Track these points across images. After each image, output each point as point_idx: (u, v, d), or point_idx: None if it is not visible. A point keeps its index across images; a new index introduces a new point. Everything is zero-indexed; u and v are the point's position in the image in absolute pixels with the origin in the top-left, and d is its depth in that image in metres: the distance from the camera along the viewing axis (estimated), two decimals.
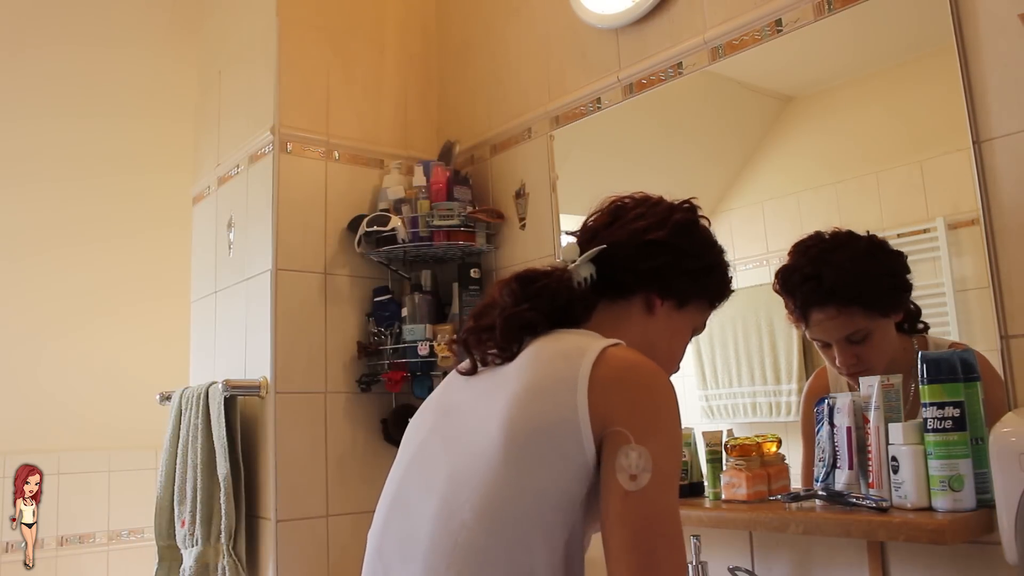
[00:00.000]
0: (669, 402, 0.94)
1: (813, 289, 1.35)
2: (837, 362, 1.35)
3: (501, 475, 0.91)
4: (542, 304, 1.05)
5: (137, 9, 3.22)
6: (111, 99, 3.20)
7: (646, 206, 1.15)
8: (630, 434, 0.89)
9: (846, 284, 1.32)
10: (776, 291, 1.43)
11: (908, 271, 1.33)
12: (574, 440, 0.90)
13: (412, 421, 1.14)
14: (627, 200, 1.16)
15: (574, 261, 1.09)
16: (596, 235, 1.12)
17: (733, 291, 1.19)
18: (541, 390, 0.94)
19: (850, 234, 1.38)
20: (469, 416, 1.01)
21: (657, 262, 1.10)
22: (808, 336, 1.40)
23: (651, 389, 0.94)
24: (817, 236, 1.39)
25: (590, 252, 1.09)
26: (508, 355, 1.03)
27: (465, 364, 1.08)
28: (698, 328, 1.18)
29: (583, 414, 0.90)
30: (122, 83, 3.22)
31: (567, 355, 0.96)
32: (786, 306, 1.41)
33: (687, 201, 1.17)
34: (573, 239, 1.14)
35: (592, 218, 1.16)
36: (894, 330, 1.33)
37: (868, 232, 1.37)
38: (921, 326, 1.33)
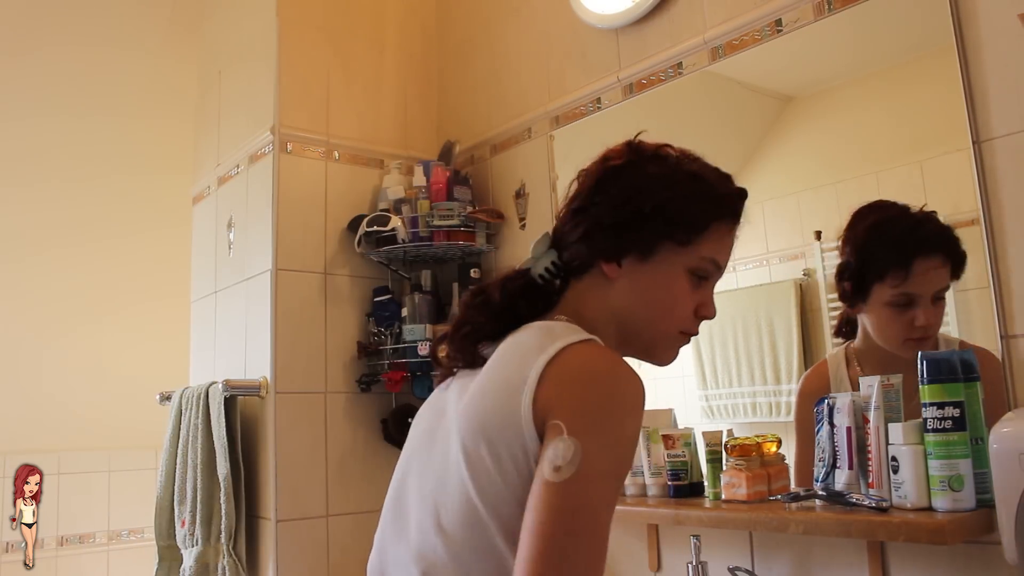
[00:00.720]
0: (620, 400, 0.89)
1: (926, 235, 1.32)
2: (919, 321, 1.31)
3: (464, 481, 0.90)
4: (499, 305, 1.03)
5: (137, 9, 3.22)
6: (111, 99, 3.20)
7: (585, 173, 1.08)
8: (564, 426, 0.85)
9: (949, 236, 1.31)
10: (860, 250, 1.39)
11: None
12: (519, 443, 0.87)
13: (415, 419, 1.12)
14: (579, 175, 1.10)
15: (532, 259, 1.07)
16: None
17: (715, 220, 1.06)
18: (490, 392, 0.92)
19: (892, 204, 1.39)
20: (449, 417, 1.00)
21: (584, 227, 1.04)
22: (898, 291, 1.33)
23: (600, 384, 0.89)
24: (898, 213, 1.37)
25: (538, 241, 1.07)
26: (470, 362, 1.01)
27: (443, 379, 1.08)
28: (699, 267, 1.04)
29: (527, 413, 0.87)
30: (122, 83, 3.22)
31: (525, 354, 0.92)
32: (876, 264, 1.36)
33: (623, 144, 1.07)
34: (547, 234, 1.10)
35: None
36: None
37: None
38: None
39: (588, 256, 1.04)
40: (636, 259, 1.02)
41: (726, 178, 1.10)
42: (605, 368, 0.90)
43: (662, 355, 1.07)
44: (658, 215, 1.01)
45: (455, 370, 1.05)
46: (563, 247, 1.06)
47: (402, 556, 0.97)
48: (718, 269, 1.07)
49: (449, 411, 0.99)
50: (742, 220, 1.12)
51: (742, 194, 1.11)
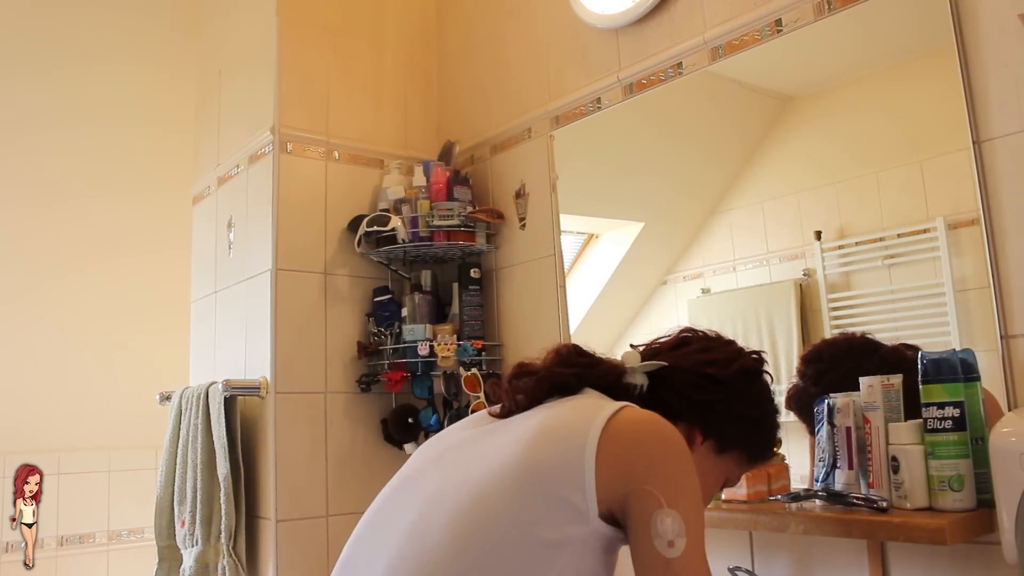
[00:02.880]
0: (688, 459, 0.93)
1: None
2: None
3: (486, 502, 0.89)
4: (589, 375, 1.04)
5: (137, 9, 3.23)
6: (111, 110, 3.20)
7: (716, 342, 1.15)
8: (661, 497, 0.87)
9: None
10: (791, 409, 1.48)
11: None
12: (576, 485, 0.87)
13: (418, 449, 1.13)
14: (699, 332, 1.16)
15: (633, 367, 1.08)
16: (659, 354, 1.11)
17: (775, 454, 1.21)
18: (550, 433, 0.92)
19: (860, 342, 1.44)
20: (471, 450, 0.99)
21: (711, 397, 1.08)
22: None
23: (668, 445, 0.92)
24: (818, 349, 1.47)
25: (651, 363, 1.08)
26: (533, 403, 1.02)
27: (496, 408, 1.06)
28: (731, 480, 1.15)
29: (589, 462, 0.87)
30: (121, 94, 3.22)
31: (584, 409, 0.94)
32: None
33: (757, 352, 1.16)
34: (635, 350, 1.12)
35: (660, 340, 1.15)
36: None
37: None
38: None
39: (689, 414, 1.07)
40: (715, 445, 1.09)
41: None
42: (666, 427, 0.94)
43: None
44: (760, 428, 1.14)
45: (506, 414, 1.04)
46: (667, 387, 1.08)
47: (378, 565, 0.94)
48: (726, 485, 1.18)
49: (475, 445, 1.00)
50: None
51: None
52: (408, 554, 0.91)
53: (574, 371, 1.04)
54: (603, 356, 1.10)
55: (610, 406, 0.93)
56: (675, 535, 0.87)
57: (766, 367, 1.16)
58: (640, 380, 1.07)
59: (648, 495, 0.87)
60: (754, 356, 1.15)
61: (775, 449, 1.21)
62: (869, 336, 1.42)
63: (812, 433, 1.37)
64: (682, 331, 1.16)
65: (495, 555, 0.86)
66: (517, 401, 1.03)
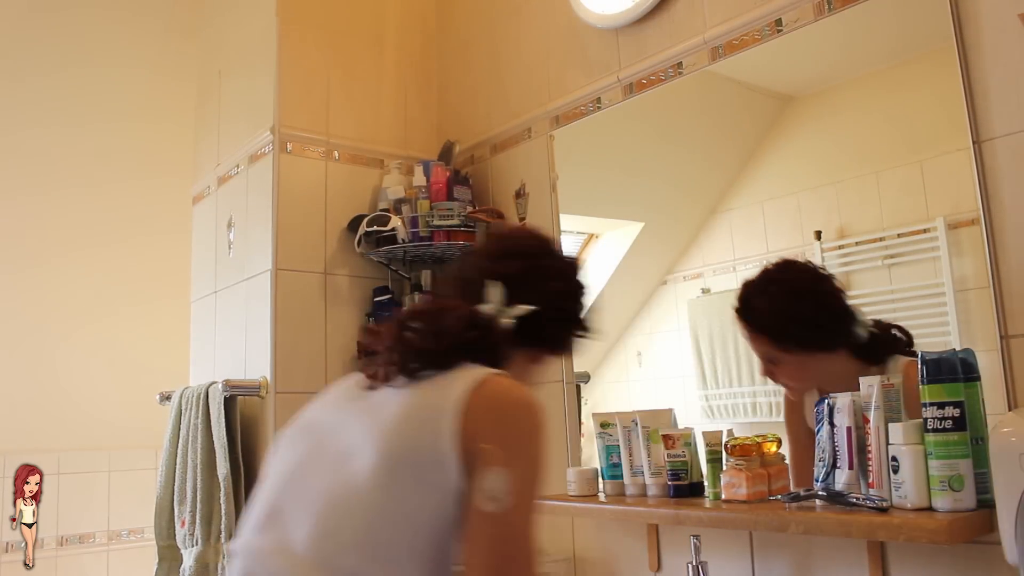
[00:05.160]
0: (537, 431, 1.01)
1: (738, 311, 1.47)
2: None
3: (376, 500, 0.96)
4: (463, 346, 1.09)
5: (137, 9, 3.23)
6: (111, 100, 3.20)
7: (557, 269, 1.25)
8: (498, 456, 0.95)
9: (761, 318, 1.44)
10: None
11: (840, 312, 1.39)
12: (440, 468, 0.95)
13: (288, 433, 1.16)
14: (542, 255, 1.25)
15: (503, 309, 1.17)
16: (519, 282, 1.19)
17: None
18: (413, 418, 1.01)
19: (795, 269, 1.46)
20: (346, 436, 1.05)
21: (565, 331, 1.23)
22: None
23: (520, 415, 1.01)
24: (763, 271, 1.49)
25: (524, 311, 1.17)
26: (408, 377, 1.08)
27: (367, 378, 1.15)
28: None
29: (449, 441, 0.96)
30: (122, 83, 3.22)
31: (445, 385, 1.02)
32: None
33: (575, 262, 1.28)
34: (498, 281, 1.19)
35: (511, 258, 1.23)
36: (818, 362, 1.40)
37: (813, 267, 1.45)
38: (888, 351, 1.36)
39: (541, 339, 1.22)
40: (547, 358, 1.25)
41: None
42: (525, 399, 1.03)
43: None
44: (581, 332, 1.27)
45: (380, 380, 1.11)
46: (535, 320, 1.18)
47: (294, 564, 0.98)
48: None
49: (349, 430, 1.06)
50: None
51: None
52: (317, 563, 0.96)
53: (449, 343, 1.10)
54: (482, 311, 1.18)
55: (468, 383, 1.01)
56: (501, 493, 0.93)
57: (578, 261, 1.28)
58: (509, 322, 1.16)
59: (485, 452, 0.95)
60: (574, 262, 1.28)
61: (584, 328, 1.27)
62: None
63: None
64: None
65: (392, 551, 0.96)
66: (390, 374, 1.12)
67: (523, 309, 1.17)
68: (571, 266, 1.26)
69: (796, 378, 1.45)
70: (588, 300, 1.26)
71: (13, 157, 3.02)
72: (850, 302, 1.38)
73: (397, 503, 0.96)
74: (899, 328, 1.37)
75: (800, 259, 1.47)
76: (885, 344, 1.35)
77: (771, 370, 1.45)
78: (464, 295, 1.19)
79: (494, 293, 1.17)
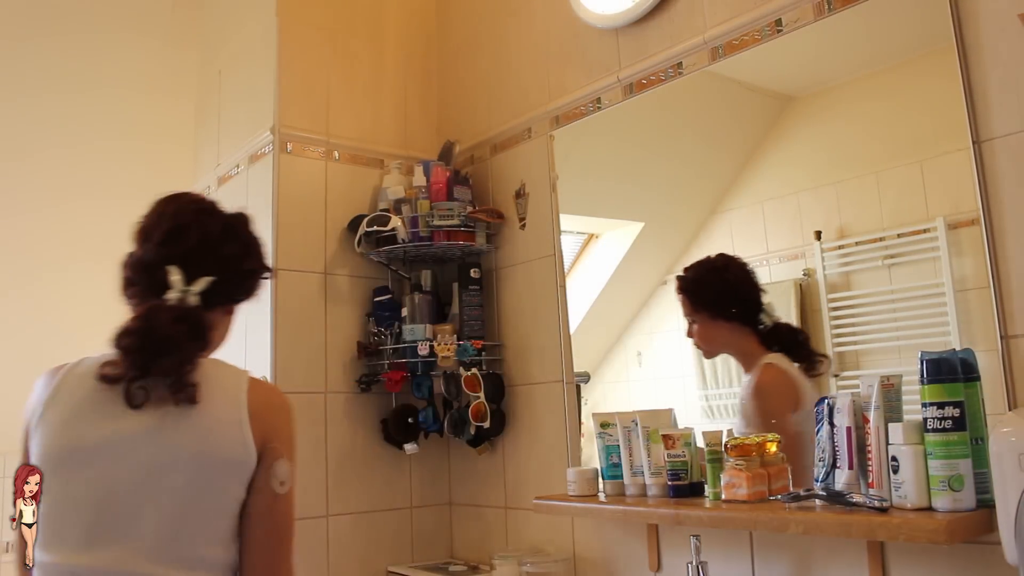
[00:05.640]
0: (293, 419, 1.28)
1: (677, 277, 1.76)
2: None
3: (202, 499, 1.19)
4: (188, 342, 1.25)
5: (137, 8, 3.23)
6: (111, 101, 3.20)
7: (223, 222, 1.38)
8: (282, 450, 1.23)
9: (685, 283, 1.74)
10: None
11: (744, 294, 1.67)
12: (243, 466, 1.20)
13: (68, 456, 1.25)
14: (201, 215, 1.37)
15: (187, 290, 1.30)
16: (192, 256, 1.33)
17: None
18: (215, 431, 1.21)
19: (724, 257, 1.72)
20: (151, 453, 1.20)
21: (242, 275, 1.39)
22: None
23: (287, 414, 1.29)
24: (706, 257, 1.75)
25: (202, 284, 1.31)
26: (179, 388, 1.22)
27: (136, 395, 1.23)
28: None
29: (250, 446, 1.21)
30: (122, 83, 3.22)
31: (225, 394, 1.24)
32: None
33: (241, 214, 1.41)
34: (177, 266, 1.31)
35: (180, 235, 1.34)
36: (721, 329, 1.70)
37: (743, 263, 1.68)
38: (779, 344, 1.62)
39: (230, 296, 1.39)
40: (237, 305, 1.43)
41: None
42: (287, 400, 1.31)
43: None
44: (259, 276, 1.44)
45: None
46: (220, 286, 1.33)
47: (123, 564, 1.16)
48: None
49: (163, 442, 1.20)
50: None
51: None
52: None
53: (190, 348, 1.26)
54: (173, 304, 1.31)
55: (242, 394, 1.23)
56: (286, 477, 1.23)
57: (245, 213, 1.42)
58: (195, 300, 1.30)
59: (275, 449, 1.23)
60: (240, 215, 1.41)
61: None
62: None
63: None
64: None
65: (216, 534, 1.20)
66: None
67: (204, 282, 1.31)
68: (235, 226, 1.39)
69: (705, 339, 1.72)
70: (260, 247, 1.42)
71: (16, 162, 3.02)
72: (764, 299, 1.65)
73: (217, 498, 1.19)
74: (804, 335, 1.60)
75: (737, 258, 1.71)
76: (779, 338, 1.62)
77: (691, 329, 1.73)
78: (150, 287, 1.31)
79: (175, 277, 1.30)
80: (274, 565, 1.22)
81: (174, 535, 1.18)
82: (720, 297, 1.69)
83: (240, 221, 1.41)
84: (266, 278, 1.44)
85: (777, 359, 1.61)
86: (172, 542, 1.18)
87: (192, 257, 1.31)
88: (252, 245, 1.41)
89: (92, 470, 1.22)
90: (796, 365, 1.59)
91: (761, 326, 1.64)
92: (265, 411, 1.25)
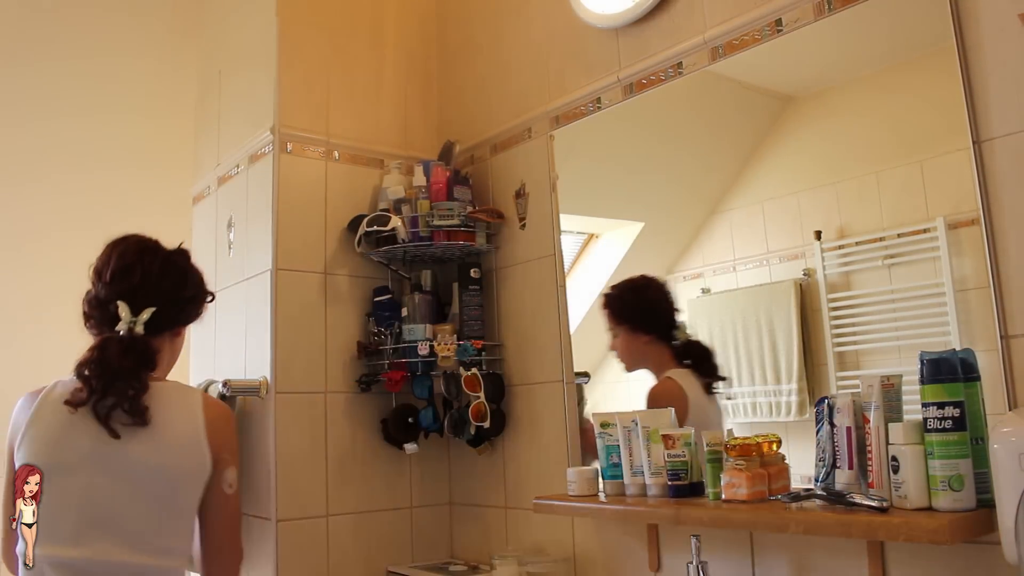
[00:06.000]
0: (236, 429, 1.64)
1: (603, 295, 1.94)
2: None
3: (173, 501, 1.50)
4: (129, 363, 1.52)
5: (135, 18, 3.23)
6: (111, 100, 3.20)
7: (163, 259, 1.65)
8: (230, 459, 1.57)
9: (609, 299, 1.91)
10: None
11: (661, 312, 1.83)
12: (202, 473, 1.53)
13: (52, 466, 1.50)
14: (144, 254, 1.63)
15: (133, 321, 1.57)
16: (138, 291, 1.60)
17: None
18: (179, 447, 1.51)
19: (644, 278, 1.91)
20: (125, 464, 1.47)
21: (185, 303, 1.66)
22: None
23: (234, 426, 1.63)
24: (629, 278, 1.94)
25: (129, 314, 1.57)
26: (137, 410, 1.49)
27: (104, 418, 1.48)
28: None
29: (207, 455, 1.53)
30: (122, 83, 3.22)
31: (184, 414, 1.54)
32: None
33: (180, 249, 1.70)
34: (123, 302, 1.58)
35: (127, 274, 1.60)
36: (639, 343, 1.86)
37: (661, 283, 1.86)
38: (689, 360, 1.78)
39: (176, 320, 1.67)
40: (183, 328, 1.72)
41: None
42: (228, 410, 1.65)
43: None
44: (204, 296, 1.74)
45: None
46: (163, 314, 1.61)
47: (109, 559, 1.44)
48: None
49: (121, 453, 1.47)
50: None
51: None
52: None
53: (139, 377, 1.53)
54: (118, 336, 1.58)
55: (197, 412, 1.55)
56: (234, 480, 1.57)
57: (183, 247, 1.71)
58: (141, 329, 1.57)
59: (225, 459, 1.56)
60: (180, 251, 1.70)
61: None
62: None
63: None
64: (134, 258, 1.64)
65: (181, 535, 1.53)
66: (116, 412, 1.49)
67: (148, 313, 1.57)
68: (174, 261, 1.66)
69: (624, 351, 1.88)
70: (197, 276, 1.70)
71: (12, 158, 3.02)
72: (678, 319, 1.81)
73: (182, 501, 1.51)
74: (711, 353, 1.74)
75: (659, 278, 1.88)
76: (691, 354, 1.77)
77: (613, 343, 1.89)
78: (102, 320, 1.59)
79: (123, 311, 1.56)
80: (225, 548, 1.58)
81: (148, 531, 1.47)
82: (639, 314, 1.86)
83: (179, 256, 1.67)
84: (208, 302, 1.73)
85: (679, 374, 1.77)
86: (147, 536, 1.46)
87: (137, 292, 1.58)
88: (189, 276, 1.67)
89: (75, 480, 1.46)
90: (701, 381, 1.75)
91: (675, 342, 1.80)
92: (217, 427, 1.55)
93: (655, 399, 1.78)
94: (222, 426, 1.56)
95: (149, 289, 1.59)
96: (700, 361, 1.75)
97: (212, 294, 1.74)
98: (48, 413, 1.51)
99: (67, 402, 1.49)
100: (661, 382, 1.79)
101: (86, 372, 1.51)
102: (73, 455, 1.47)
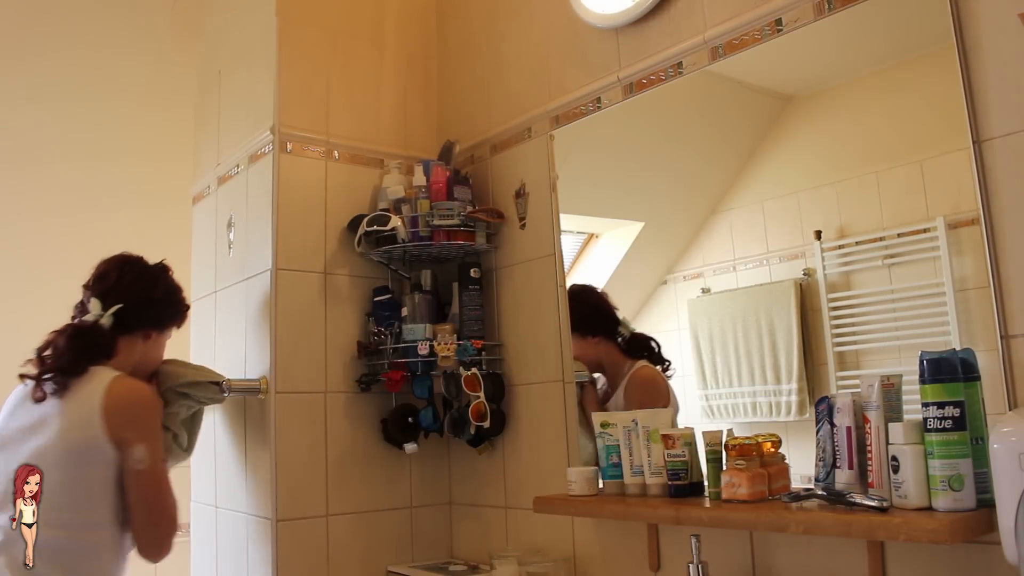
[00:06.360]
0: (150, 410, 1.74)
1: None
2: None
3: (73, 476, 1.63)
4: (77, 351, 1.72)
5: (135, 13, 3.22)
6: (111, 99, 3.20)
7: (135, 271, 1.87)
8: (135, 438, 1.66)
9: (570, 305, 1.97)
10: None
11: (603, 313, 1.93)
12: (101, 452, 1.64)
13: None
14: (123, 264, 1.87)
15: (101, 314, 1.78)
16: (111, 291, 1.82)
17: (184, 312, 1.99)
18: (74, 424, 1.64)
19: (578, 286, 2.02)
20: (36, 440, 1.65)
21: (149, 309, 1.86)
22: None
23: (139, 405, 1.71)
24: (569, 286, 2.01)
25: (98, 310, 1.79)
26: (62, 389, 1.68)
27: (37, 392, 1.70)
28: (168, 335, 1.98)
29: (102, 434, 1.63)
30: (122, 83, 3.22)
31: (88, 396, 1.66)
32: None
33: (160, 263, 1.93)
34: (96, 298, 1.81)
35: (104, 277, 1.84)
36: (589, 345, 1.95)
37: (592, 285, 2.01)
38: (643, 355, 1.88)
39: (141, 325, 1.86)
40: (157, 332, 1.92)
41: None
42: (140, 392, 1.73)
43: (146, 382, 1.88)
44: (175, 307, 1.95)
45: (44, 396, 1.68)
46: (126, 315, 1.82)
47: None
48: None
49: (42, 429, 1.66)
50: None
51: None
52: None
53: (69, 356, 1.71)
54: (79, 322, 1.80)
55: (99, 392, 1.66)
56: (143, 456, 1.66)
57: (166, 268, 1.94)
58: (108, 321, 1.78)
59: (128, 439, 1.66)
60: (158, 267, 1.92)
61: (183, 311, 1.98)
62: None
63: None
64: (116, 263, 1.87)
65: (94, 514, 1.66)
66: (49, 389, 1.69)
67: (114, 308, 1.78)
68: (149, 269, 1.89)
69: (579, 354, 1.95)
70: (169, 285, 1.91)
71: (13, 155, 3.02)
72: (620, 315, 1.91)
73: (88, 476, 1.63)
74: (655, 341, 1.84)
75: (592, 285, 2.02)
76: (640, 347, 1.86)
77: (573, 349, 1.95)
78: (80, 314, 1.81)
79: (94, 305, 1.79)
80: (148, 521, 1.69)
81: (62, 504, 1.61)
82: (585, 319, 1.95)
83: (156, 267, 1.90)
84: (183, 311, 1.95)
85: (646, 363, 1.86)
86: (62, 509, 1.61)
87: (110, 293, 1.80)
88: (161, 281, 1.89)
89: (5, 453, 1.68)
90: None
91: (620, 339, 1.90)
92: (117, 408, 1.65)
93: (653, 381, 1.85)
94: (124, 407, 1.66)
95: (121, 290, 1.81)
96: (651, 353, 1.85)
97: (187, 304, 1.96)
98: (12, 393, 1.77)
99: (21, 375, 1.73)
100: (643, 368, 1.86)
101: (41, 352, 1.72)
102: (10, 429, 1.70)
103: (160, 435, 1.75)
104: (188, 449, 2.05)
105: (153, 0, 3.26)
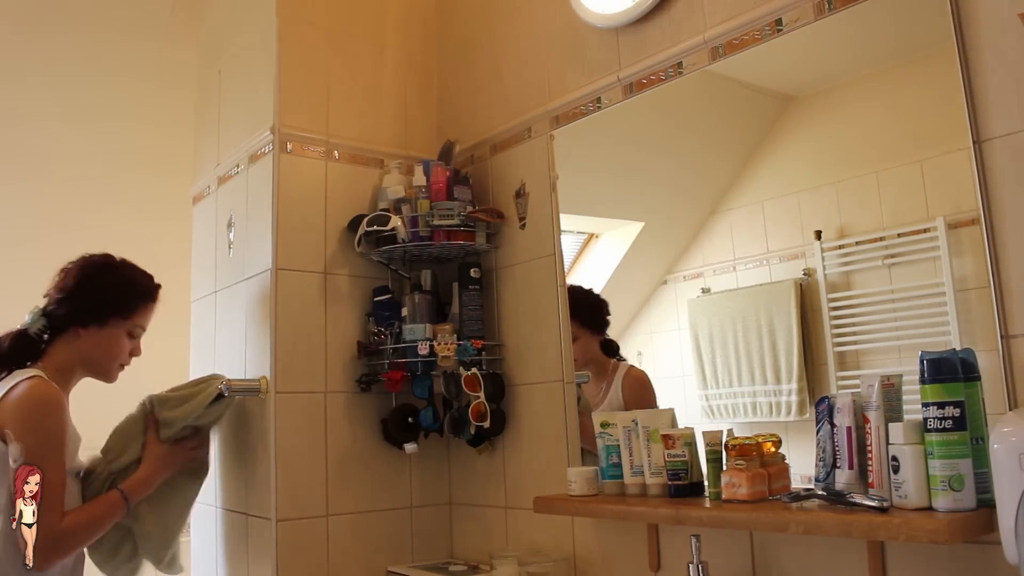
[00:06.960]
0: (40, 411, 1.76)
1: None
2: None
3: None
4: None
5: (136, 7, 3.23)
6: (111, 99, 3.20)
7: (65, 272, 1.94)
8: (12, 436, 1.71)
9: (579, 307, 1.98)
10: None
11: (605, 316, 1.97)
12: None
13: None
14: (72, 267, 1.94)
15: (28, 321, 1.88)
16: (48, 296, 1.92)
17: (141, 303, 1.99)
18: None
19: (574, 287, 2.01)
20: None
21: (71, 306, 1.88)
22: None
23: (29, 407, 1.75)
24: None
25: (33, 314, 1.89)
26: None
27: None
28: (133, 331, 1.98)
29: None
30: (122, 83, 3.22)
31: None
32: None
33: (103, 256, 1.97)
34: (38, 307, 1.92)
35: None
36: (594, 343, 1.98)
37: (589, 290, 2.03)
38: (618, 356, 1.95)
39: (67, 323, 1.89)
40: (96, 326, 1.91)
41: (149, 276, 2.03)
42: (34, 395, 1.76)
43: (111, 377, 2.00)
44: (112, 300, 1.93)
45: None
46: (52, 316, 1.89)
47: None
48: (142, 329, 2.01)
49: None
50: (158, 299, 2.03)
51: (157, 286, 2.03)
52: None
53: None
54: (15, 331, 1.90)
55: (14, 381, 1.77)
56: (17, 456, 1.71)
57: (108, 260, 1.97)
58: (38, 325, 1.88)
59: (9, 435, 1.72)
60: (92, 261, 1.96)
61: (146, 297, 2.00)
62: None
63: None
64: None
65: None
66: None
67: (34, 311, 1.89)
68: (86, 266, 1.93)
69: (583, 352, 1.97)
70: (105, 283, 1.92)
71: (13, 155, 3.02)
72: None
73: None
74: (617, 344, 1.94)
75: (585, 287, 2.04)
76: (611, 346, 1.95)
77: (575, 347, 1.96)
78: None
79: (31, 314, 1.89)
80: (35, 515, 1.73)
81: None
82: (599, 318, 1.98)
83: (94, 263, 1.94)
84: (122, 302, 1.94)
85: (632, 363, 1.92)
86: None
87: (54, 301, 1.90)
88: (93, 279, 1.92)
89: None
90: None
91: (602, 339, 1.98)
92: (10, 404, 1.73)
93: (645, 383, 1.88)
94: (15, 403, 1.74)
95: (59, 291, 1.90)
96: (618, 352, 1.95)
97: (139, 295, 1.97)
98: None
99: None
100: (633, 369, 1.92)
101: None
102: None
103: (52, 441, 1.76)
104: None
105: (153, 1, 3.26)
